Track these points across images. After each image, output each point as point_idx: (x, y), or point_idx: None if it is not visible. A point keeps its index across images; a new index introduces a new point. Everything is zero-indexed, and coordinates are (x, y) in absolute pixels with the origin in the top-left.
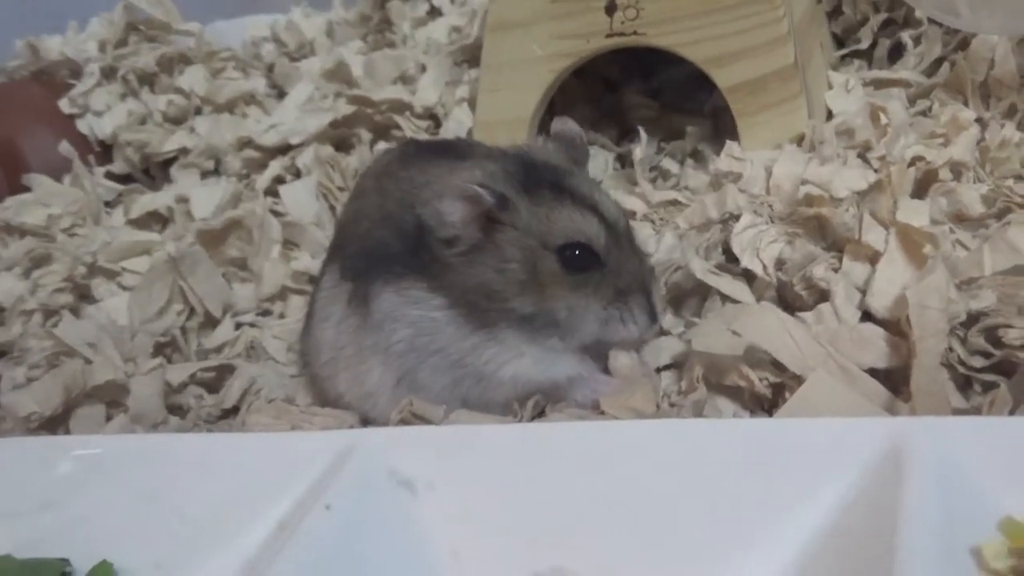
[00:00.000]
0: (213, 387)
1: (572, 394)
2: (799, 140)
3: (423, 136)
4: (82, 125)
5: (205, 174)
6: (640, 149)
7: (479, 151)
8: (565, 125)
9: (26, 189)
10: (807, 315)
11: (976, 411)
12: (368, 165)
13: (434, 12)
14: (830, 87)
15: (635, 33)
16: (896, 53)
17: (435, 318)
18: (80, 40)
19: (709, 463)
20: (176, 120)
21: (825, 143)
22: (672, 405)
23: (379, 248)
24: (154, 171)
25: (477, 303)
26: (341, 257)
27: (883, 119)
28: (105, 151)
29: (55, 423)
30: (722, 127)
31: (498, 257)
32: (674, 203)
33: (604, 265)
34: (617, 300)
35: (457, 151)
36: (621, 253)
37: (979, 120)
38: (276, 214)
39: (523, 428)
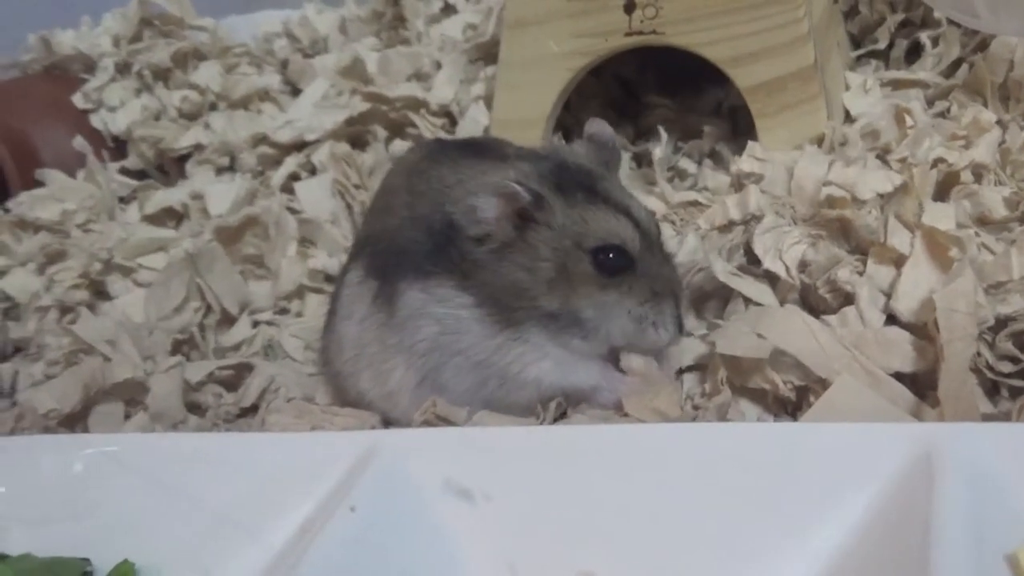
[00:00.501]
0: (231, 385)
1: (594, 398)
2: (818, 141)
3: (439, 134)
4: (96, 120)
5: (220, 171)
6: (660, 149)
7: (511, 151)
8: (598, 127)
9: (39, 184)
10: (831, 318)
11: (1004, 416)
12: (396, 162)
13: (448, 9)
14: (847, 88)
15: (654, 32)
16: (913, 54)
17: (460, 316)
18: (94, 35)
19: (739, 467)
20: (191, 116)
21: (849, 144)
22: (695, 408)
23: (407, 246)
24: (168, 167)
25: (505, 302)
26: (367, 255)
27: (908, 120)
28: (119, 147)
29: (73, 420)
30: (739, 127)
31: (530, 256)
32: (694, 204)
33: (636, 269)
34: (650, 302)
35: (489, 150)
36: (653, 258)
37: (999, 122)
38: (292, 211)
39: (547, 431)
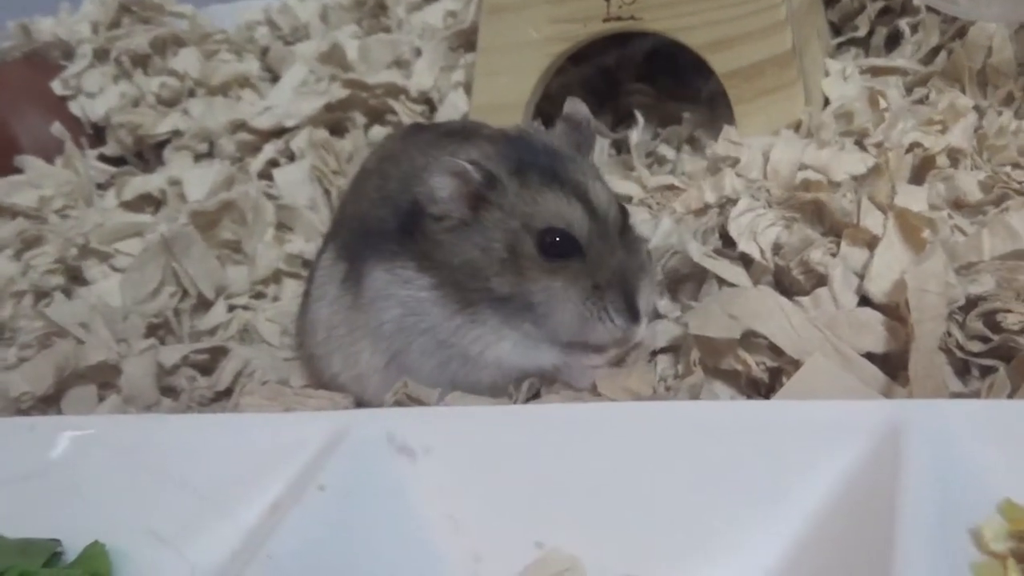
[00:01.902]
0: (206, 369)
1: (564, 379)
2: (796, 127)
3: (419, 120)
4: (74, 107)
5: (198, 157)
6: (637, 133)
7: (482, 133)
8: (575, 107)
9: (17, 171)
10: (804, 300)
11: (974, 396)
12: (374, 148)
13: None
14: (827, 74)
15: (632, 18)
16: (893, 41)
17: (422, 298)
18: (73, 21)
19: (709, 444)
20: (169, 102)
21: (824, 127)
22: (668, 389)
23: (375, 227)
24: (147, 153)
25: (461, 282)
26: (339, 237)
27: (882, 103)
28: (97, 133)
29: (47, 404)
30: (719, 113)
31: (482, 236)
32: (671, 188)
33: (584, 255)
34: (593, 296)
35: (460, 133)
36: (605, 245)
37: (976, 108)
38: (270, 197)
39: (519, 409)
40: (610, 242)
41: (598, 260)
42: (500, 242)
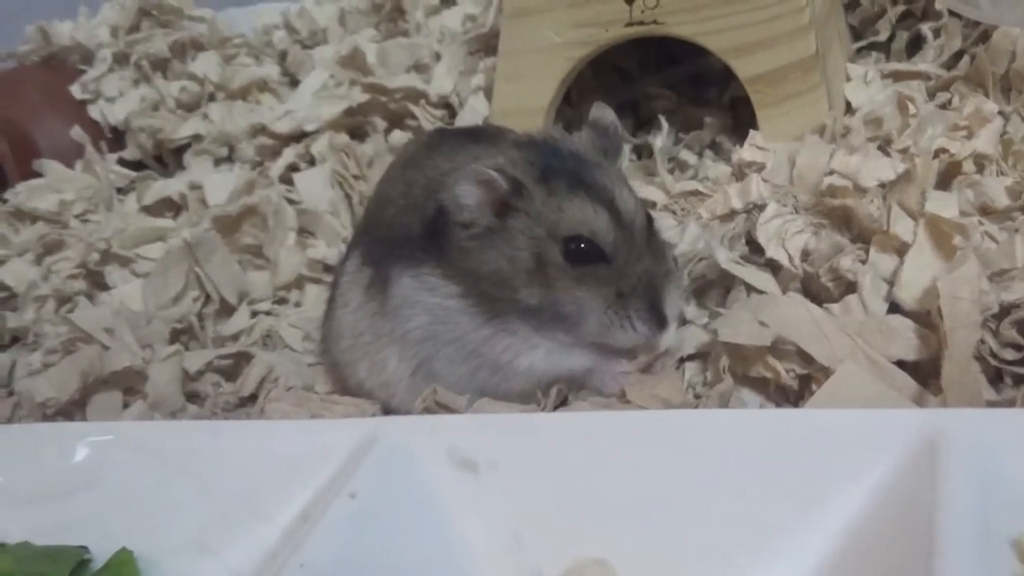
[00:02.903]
0: (230, 375)
1: (594, 384)
2: (819, 132)
3: (439, 125)
4: (94, 111)
5: (218, 161)
6: (662, 138)
7: (508, 138)
8: (601, 112)
9: (37, 175)
10: (833, 307)
11: (1008, 404)
12: (398, 153)
13: (447, 1)
14: (848, 79)
15: (655, 22)
16: (915, 46)
17: (449, 306)
18: (91, 25)
19: (742, 453)
20: (189, 106)
21: (852, 132)
22: (697, 396)
23: (401, 233)
24: (167, 158)
25: (488, 292)
26: (363, 243)
27: (911, 109)
28: (117, 137)
29: (71, 409)
30: (741, 119)
31: (509, 243)
32: (695, 193)
33: (610, 262)
34: (616, 303)
35: (486, 138)
36: (631, 252)
37: (1000, 113)
38: (291, 202)
39: (548, 417)
40: (636, 249)
41: (623, 267)
42: (526, 250)
